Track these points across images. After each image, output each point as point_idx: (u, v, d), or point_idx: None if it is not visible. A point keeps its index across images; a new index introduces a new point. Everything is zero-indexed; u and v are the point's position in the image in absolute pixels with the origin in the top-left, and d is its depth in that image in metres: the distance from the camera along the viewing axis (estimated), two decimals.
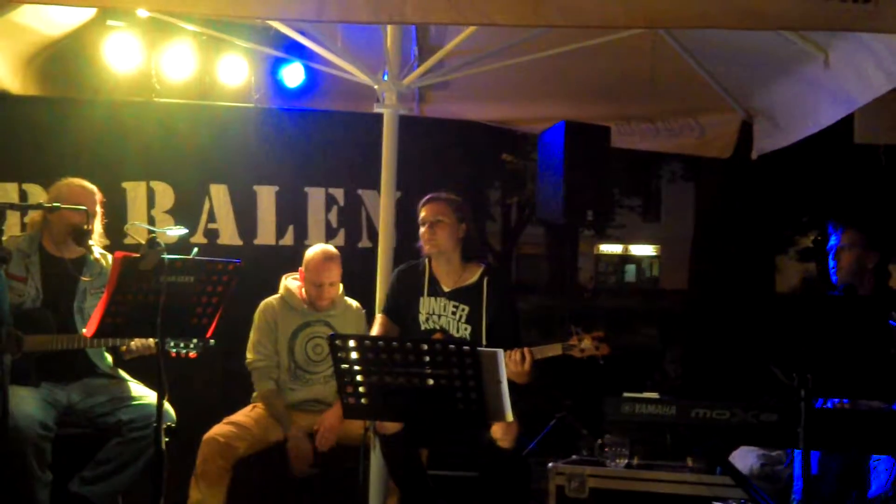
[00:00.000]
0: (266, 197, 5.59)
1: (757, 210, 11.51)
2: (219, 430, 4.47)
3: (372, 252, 5.07)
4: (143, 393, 4.34)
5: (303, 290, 4.76)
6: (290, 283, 4.81)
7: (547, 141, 5.91)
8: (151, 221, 5.31)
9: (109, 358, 4.45)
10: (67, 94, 5.52)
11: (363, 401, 3.32)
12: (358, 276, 4.97)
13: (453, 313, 4.36)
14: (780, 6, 3.35)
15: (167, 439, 3.68)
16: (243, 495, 4.49)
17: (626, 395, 3.44)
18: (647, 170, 20.62)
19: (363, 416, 3.91)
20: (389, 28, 4.75)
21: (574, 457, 4.70)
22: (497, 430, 4.01)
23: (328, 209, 5.69)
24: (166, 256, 3.55)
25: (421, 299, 4.42)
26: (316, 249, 4.74)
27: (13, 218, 4.83)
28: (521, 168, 18.98)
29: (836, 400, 3.98)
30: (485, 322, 4.31)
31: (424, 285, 4.43)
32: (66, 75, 5.48)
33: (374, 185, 5.06)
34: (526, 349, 4.07)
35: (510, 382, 3.36)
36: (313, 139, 5.68)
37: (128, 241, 4.89)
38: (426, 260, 4.48)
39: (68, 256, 4.35)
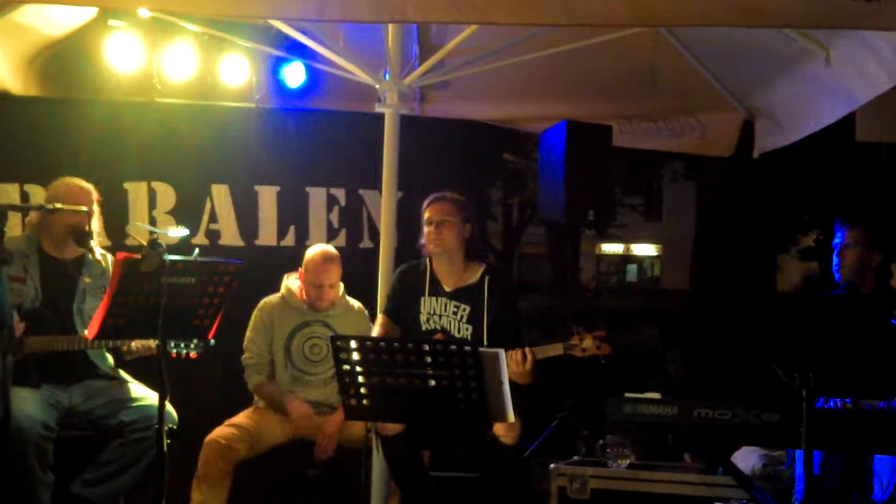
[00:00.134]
0: (267, 197, 5.59)
1: (758, 209, 11.52)
2: (220, 432, 4.47)
3: (373, 252, 5.07)
4: (144, 394, 4.34)
5: (303, 290, 4.76)
6: (292, 282, 4.81)
7: (548, 140, 5.90)
8: (153, 222, 5.31)
9: (110, 359, 4.44)
10: (69, 95, 5.52)
11: (365, 402, 3.32)
12: (359, 277, 4.97)
13: (454, 313, 4.36)
14: (781, 4, 3.34)
15: (168, 441, 3.67)
16: (245, 497, 4.48)
17: (627, 395, 3.44)
18: (648, 169, 20.60)
19: (365, 418, 3.91)
20: (391, 27, 4.75)
21: (576, 457, 4.70)
22: (500, 427, 4.00)
23: (329, 209, 5.69)
24: (168, 257, 3.54)
25: (422, 299, 4.41)
26: (315, 250, 4.74)
27: (14, 218, 4.82)
28: (522, 167, 18.97)
29: (838, 399, 3.97)
30: (486, 322, 4.31)
31: (425, 285, 4.42)
32: (68, 75, 5.48)
33: (376, 185, 5.06)
34: (527, 349, 4.07)
35: (511, 382, 3.35)
36: (315, 139, 5.68)
37: (129, 241, 4.90)
38: (427, 260, 4.47)
39: (67, 257, 4.35)
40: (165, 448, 3.60)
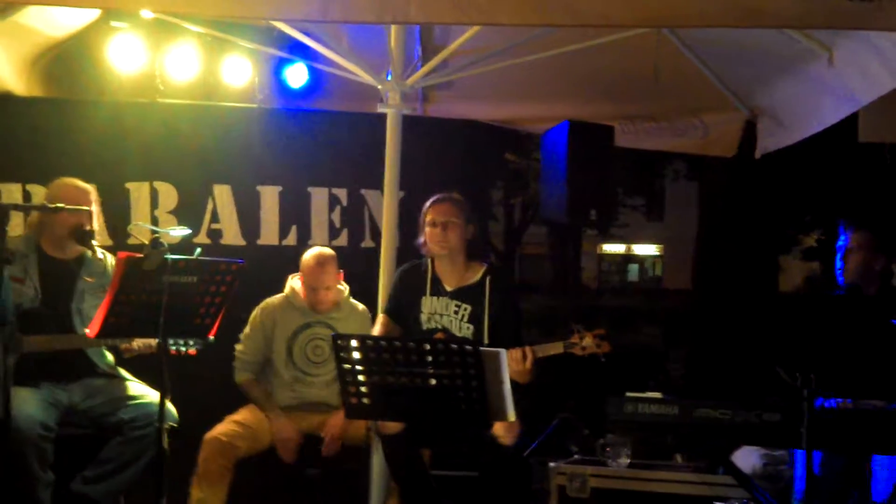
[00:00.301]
0: (269, 197, 5.60)
1: (760, 209, 11.51)
2: (220, 429, 4.48)
3: (375, 252, 5.08)
4: (143, 392, 4.35)
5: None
6: (295, 283, 4.81)
7: (550, 140, 5.90)
8: (155, 222, 5.31)
9: (110, 356, 4.45)
10: (71, 96, 5.53)
11: (365, 401, 3.33)
12: (361, 277, 4.97)
13: (455, 313, 4.36)
14: (780, 4, 3.34)
15: (168, 439, 3.68)
16: (245, 495, 4.50)
17: (628, 394, 3.44)
18: (650, 169, 20.61)
19: (365, 416, 3.92)
20: (393, 28, 4.75)
21: (576, 456, 4.70)
22: (499, 427, 4.01)
23: (331, 209, 5.70)
24: (169, 256, 3.56)
25: (423, 299, 4.42)
26: (310, 254, 4.74)
27: (17, 218, 4.83)
28: (524, 168, 18.99)
29: (839, 400, 3.97)
30: (487, 321, 4.31)
31: (427, 285, 4.43)
32: (71, 76, 5.49)
33: (378, 185, 5.06)
34: (527, 347, 4.07)
35: (512, 382, 3.36)
36: (317, 139, 5.68)
37: (131, 241, 4.89)
38: (429, 260, 4.48)
39: (67, 257, 4.36)
40: (166, 446, 3.61)
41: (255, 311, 4.77)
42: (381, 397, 3.30)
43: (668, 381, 9.57)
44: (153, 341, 4.01)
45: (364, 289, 4.90)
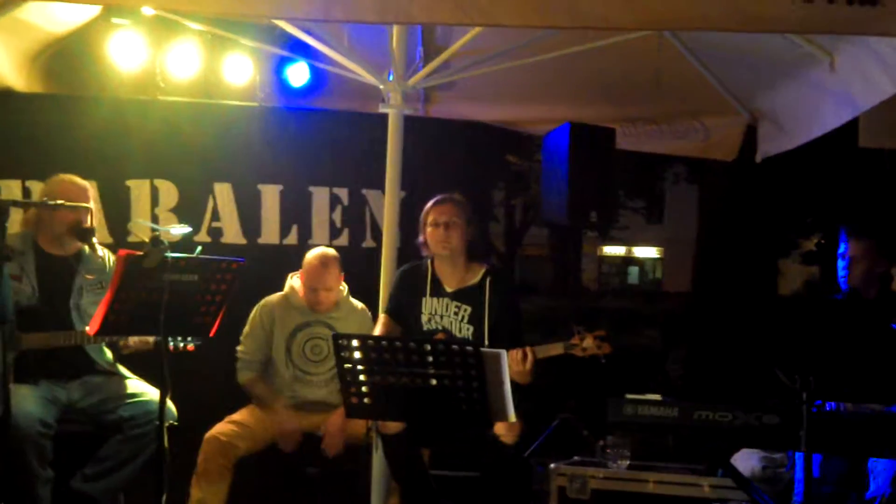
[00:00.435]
0: (270, 196, 5.60)
1: (761, 213, 11.51)
2: (220, 428, 4.48)
3: (376, 252, 5.08)
4: (143, 389, 4.35)
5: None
6: (295, 281, 4.82)
7: (551, 142, 5.90)
8: (155, 219, 5.31)
9: (109, 354, 4.45)
10: (72, 92, 5.52)
11: (366, 400, 3.33)
12: (361, 277, 4.98)
13: (455, 313, 4.36)
14: (783, 9, 3.34)
15: (168, 437, 3.68)
16: (244, 494, 4.50)
17: (628, 396, 3.44)
18: (651, 172, 20.60)
19: (366, 416, 3.92)
20: (395, 28, 4.75)
21: (576, 457, 4.70)
22: (500, 426, 4.01)
23: (332, 209, 5.69)
24: (170, 255, 3.56)
25: (423, 300, 4.42)
26: (314, 253, 4.74)
27: (17, 215, 4.83)
28: (525, 169, 18.98)
29: (836, 403, 3.98)
30: (487, 322, 4.32)
31: (427, 286, 4.43)
32: (71, 73, 5.49)
33: (379, 185, 5.06)
34: (528, 348, 4.07)
35: (512, 382, 3.36)
36: (318, 139, 5.68)
37: (131, 238, 4.91)
38: (429, 260, 4.48)
39: (64, 253, 4.36)
40: (166, 444, 3.61)
41: (255, 310, 4.77)
42: (381, 397, 3.30)
43: (668, 383, 9.56)
44: (150, 338, 4.01)
45: (365, 289, 4.90)
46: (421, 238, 4.46)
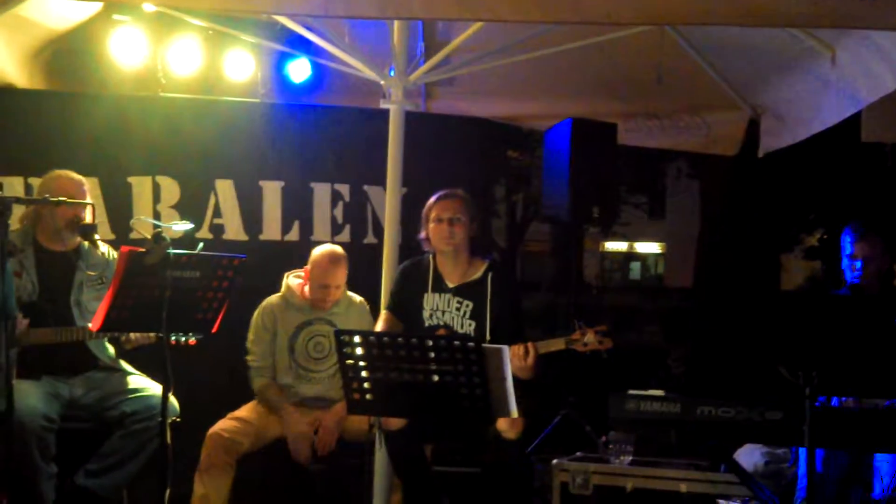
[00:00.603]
0: (272, 192, 5.59)
1: (763, 208, 11.51)
2: (223, 425, 4.48)
3: (377, 248, 5.08)
4: (145, 385, 4.35)
5: (305, 288, 4.76)
6: (292, 280, 4.81)
7: (553, 138, 5.91)
8: (157, 216, 5.31)
9: (111, 349, 4.45)
10: (73, 89, 5.52)
11: (368, 396, 3.33)
12: (363, 273, 4.97)
13: (457, 309, 4.36)
14: (786, 3, 3.34)
15: (171, 433, 3.68)
16: (247, 490, 4.49)
17: (630, 392, 3.44)
18: (653, 167, 20.60)
19: (368, 412, 3.91)
20: (396, 24, 4.75)
21: (578, 453, 4.70)
22: (503, 422, 4.01)
23: (334, 205, 5.69)
24: (172, 251, 3.55)
25: (425, 295, 4.41)
26: (323, 250, 4.73)
27: (18, 212, 4.83)
28: (526, 165, 18.98)
29: (840, 398, 3.97)
30: (489, 318, 4.31)
31: (429, 281, 4.42)
32: (73, 70, 5.49)
33: (380, 181, 5.06)
34: (529, 344, 4.07)
35: (514, 378, 3.35)
36: (319, 135, 5.68)
37: (133, 235, 4.90)
38: (430, 256, 4.47)
39: (64, 249, 4.36)
40: (168, 440, 3.62)
41: (256, 315, 4.75)
42: (383, 393, 3.30)
43: (670, 379, 9.55)
44: (152, 333, 4.02)
45: (366, 285, 4.90)
46: (423, 234, 4.45)
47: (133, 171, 5.37)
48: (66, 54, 5.40)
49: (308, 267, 4.74)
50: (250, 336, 4.74)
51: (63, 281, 4.34)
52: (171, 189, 5.42)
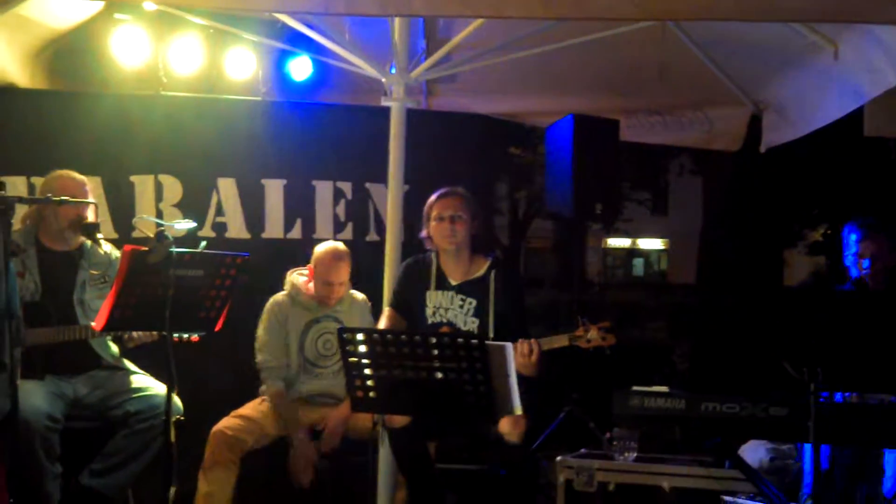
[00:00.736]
0: (274, 190, 5.59)
1: (765, 204, 11.50)
2: (227, 423, 4.48)
3: (379, 246, 5.07)
4: (149, 384, 4.35)
5: (310, 285, 4.75)
6: (297, 278, 4.80)
7: (555, 134, 5.90)
8: (159, 215, 5.31)
9: (115, 348, 4.45)
10: (75, 88, 5.53)
11: (371, 394, 3.32)
12: (365, 270, 4.97)
13: (461, 307, 4.36)
14: None
15: (175, 432, 3.68)
16: (251, 488, 4.50)
17: (634, 388, 3.43)
18: (655, 163, 20.59)
19: (371, 410, 3.91)
20: (397, 21, 4.74)
21: (582, 450, 4.69)
22: (505, 425, 4.00)
23: (336, 203, 5.69)
24: (174, 250, 3.55)
25: (428, 293, 4.41)
26: (325, 247, 4.73)
27: (21, 211, 4.83)
28: (529, 161, 18.96)
29: (843, 394, 3.96)
30: (492, 315, 4.31)
31: (432, 279, 4.42)
32: (74, 69, 5.49)
33: (382, 178, 5.05)
34: (533, 340, 4.06)
35: (518, 375, 3.35)
36: (321, 132, 5.68)
37: (136, 234, 4.89)
38: (433, 254, 4.47)
39: (66, 248, 4.36)
40: (172, 439, 3.62)
41: (265, 315, 4.73)
42: (387, 391, 3.29)
43: (674, 375, 9.55)
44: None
45: (369, 282, 4.89)
46: (424, 232, 4.44)
47: (135, 170, 5.37)
48: (67, 53, 5.40)
49: (311, 264, 4.74)
50: (261, 337, 4.71)
51: (66, 280, 4.34)
52: (173, 187, 5.42)
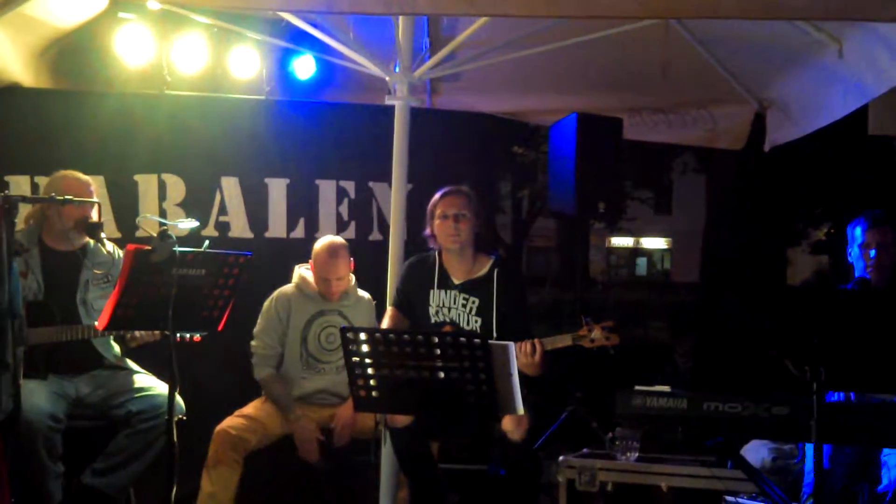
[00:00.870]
0: (277, 189, 5.59)
1: (769, 202, 11.48)
2: (230, 422, 4.49)
3: (383, 245, 5.07)
4: (151, 384, 4.36)
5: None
6: (304, 272, 4.81)
7: (558, 133, 5.90)
8: (163, 214, 5.32)
9: (117, 348, 4.46)
10: (79, 87, 5.53)
11: (374, 394, 3.32)
12: (369, 269, 4.97)
13: (463, 306, 4.36)
14: None
15: (177, 432, 3.69)
16: (254, 487, 4.50)
17: (637, 388, 3.43)
18: (658, 162, 20.56)
19: (374, 410, 3.90)
20: (401, 19, 4.74)
21: (585, 450, 4.69)
22: (508, 423, 4.00)
23: (339, 202, 5.69)
24: (178, 249, 3.56)
25: (431, 292, 4.41)
26: (322, 243, 4.73)
27: (24, 211, 4.84)
28: (532, 160, 18.97)
29: (842, 394, 3.96)
30: (495, 314, 4.31)
31: (435, 278, 4.42)
32: (78, 68, 5.49)
33: (385, 177, 5.06)
34: (536, 340, 4.06)
35: (521, 374, 3.35)
36: (324, 131, 5.68)
37: (139, 233, 4.91)
38: (436, 253, 4.47)
39: (70, 248, 4.37)
40: (175, 438, 3.62)
41: (268, 304, 4.76)
42: (389, 390, 3.29)
43: (677, 375, 9.55)
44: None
45: (372, 281, 4.90)
46: (428, 230, 4.44)
47: (139, 169, 5.37)
48: (71, 53, 5.40)
49: (311, 259, 4.75)
50: (260, 324, 4.73)
51: (69, 280, 4.34)
52: (176, 187, 5.42)
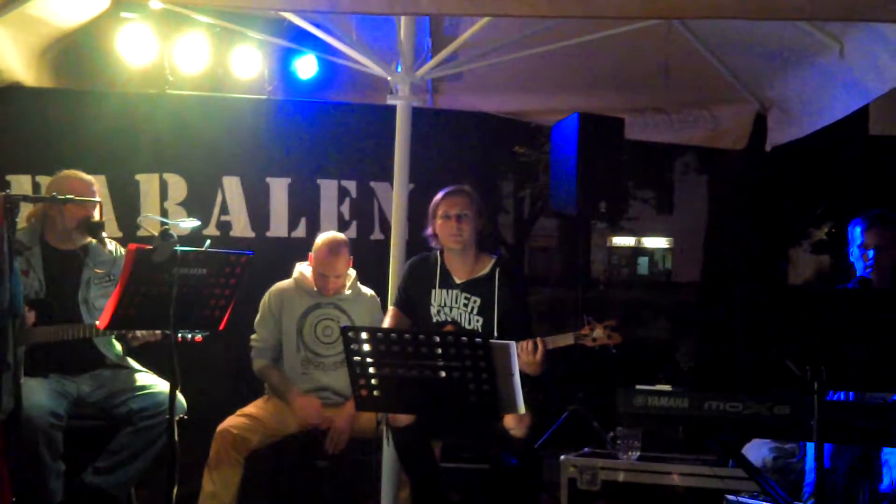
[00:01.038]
0: (279, 189, 5.60)
1: (770, 202, 11.46)
2: (232, 422, 4.49)
3: (384, 244, 5.07)
4: (152, 382, 4.36)
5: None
6: (304, 268, 4.82)
7: (560, 133, 5.90)
8: (164, 213, 5.32)
9: (119, 347, 4.46)
10: (81, 87, 5.54)
11: (375, 393, 3.33)
12: (370, 268, 4.97)
13: (465, 305, 4.36)
14: None
15: (179, 430, 3.69)
16: (256, 487, 4.51)
17: (638, 387, 3.43)
18: (660, 162, 20.53)
19: (375, 409, 3.91)
20: (403, 19, 4.74)
21: (586, 449, 4.70)
22: (510, 419, 4.00)
23: (341, 201, 5.70)
24: (179, 248, 3.56)
25: (433, 291, 4.41)
26: (322, 239, 4.74)
27: (26, 210, 4.84)
28: (534, 160, 18.95)
29: (842, 393, 3.96)
30: (497, 314, 4.31)
31: (436, 277, 4.42)
32: (80, 67, 5.50)
33: (387, 177, 5.06)
34: (538, 339, 4.06)
35: (522, 374, 3.35)
36: (326, 131, 5.69)
37: (141, 233, 4.91)
38: (438, 252, 4.47)
39: (72, 247, 4.37)
40: (176, 437, 3.62)
41: (265, 297, 4.77)
42: (391, 390, 3.30)
43: (678, 374, 9.55)
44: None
45: (373, 281, 4.90)
46: (430, 230, 4.44)
47: (140, 169, 5.38)
48: (73, 52, 5.41)
49: (311, 253, 4.76)
50: (258, 318, 4.76)
51: (70, 279, 4.35)
52: (178, 186, 5.43)
